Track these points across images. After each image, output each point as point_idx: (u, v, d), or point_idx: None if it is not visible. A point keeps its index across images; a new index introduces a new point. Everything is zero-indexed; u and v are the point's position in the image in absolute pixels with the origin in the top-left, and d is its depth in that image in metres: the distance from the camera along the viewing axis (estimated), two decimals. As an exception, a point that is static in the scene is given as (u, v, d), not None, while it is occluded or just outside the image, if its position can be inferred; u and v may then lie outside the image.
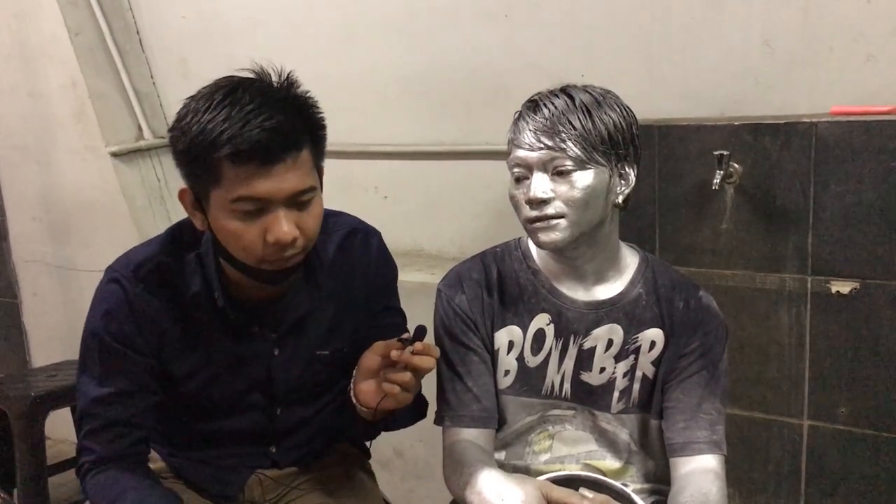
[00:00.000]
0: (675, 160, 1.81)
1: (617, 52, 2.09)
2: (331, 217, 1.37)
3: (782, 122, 1.71)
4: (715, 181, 1.70)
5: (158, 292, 1.28)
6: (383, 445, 2.40)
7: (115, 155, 2.86)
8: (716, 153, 1.71)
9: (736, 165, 1.74)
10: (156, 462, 1.43)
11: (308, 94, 1.19)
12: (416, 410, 1.41)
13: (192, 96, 1.17)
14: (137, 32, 2.92)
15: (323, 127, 1.20)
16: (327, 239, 1.36)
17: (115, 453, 1.30)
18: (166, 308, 1.28)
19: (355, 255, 1.40)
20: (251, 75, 1.18)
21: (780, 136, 1.70)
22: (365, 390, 1.22)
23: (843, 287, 1.68)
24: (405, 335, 1.19)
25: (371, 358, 1.21)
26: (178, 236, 1.32)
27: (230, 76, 1.17)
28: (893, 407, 1.67)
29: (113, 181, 2.88)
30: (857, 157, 1.63)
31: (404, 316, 1.47)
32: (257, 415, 1.39)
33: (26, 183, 3.16)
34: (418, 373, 1.17)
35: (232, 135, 1.08)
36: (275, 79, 1.18)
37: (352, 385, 1.25)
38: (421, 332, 1.17)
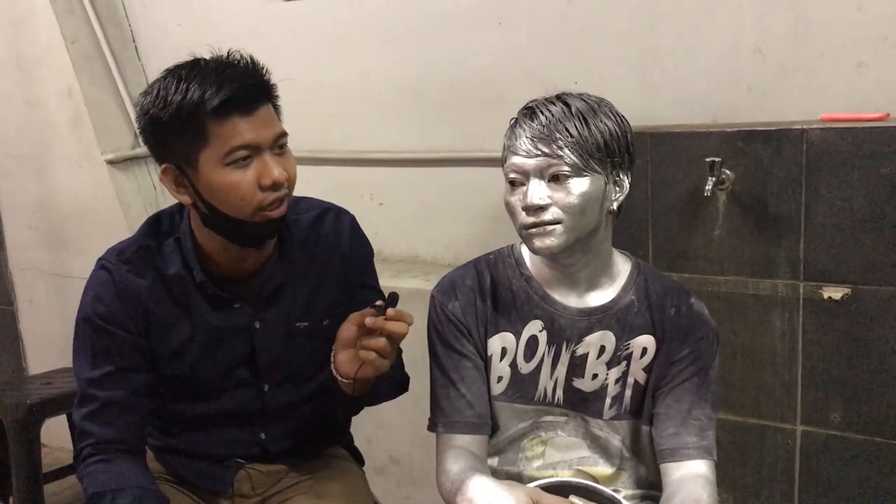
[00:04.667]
0: (667, 167, 1.82)
1: (610, 59, 2.10)
2: (302, 200, 1.45)
3: (774, 128, 1.72)
4: (707, 188, 1.71)
5: (142, 273, 1.35)
6: (379, 452, 2.40)
7: (111, 162, 2.87)
8: (708, 160, 1.72)
9: (728, 172, 1.75)
10: (150, 462, 1.45)
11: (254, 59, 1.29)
12: (397, 384, 1.46)
13: (149, 87, 1.28)
14: (133, 40, 2.93)
15: (275, 87, 1.30)
16: (299, 218, 1.43)
17: (114, 437, 1.34)
18: (150, 288, 1.35)
19: (328, 231, 1.46)
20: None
21: (771, 143, 1.71)
22: (343, 360, 1.27)
23: (834, 293, 1.69)
24: (378, 302, 1.23)
25: (347, 328, 1.26)
26: (157, 225, 1.42)
27: (175, 64, 1.29)
28: (886, 412, 1.68)
29: (109, 189, 2.89)
30: (847, 164, 1.65)
31: (383, 294, 1.49)
32: (246, 392, 1.43)
33: (22, 191, 3.16)
34: (393, 339, 1.21)
35: (213, 91, 1.20)
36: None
37: (332, 358, 1.29)
38: (393, 298, 1.22)
